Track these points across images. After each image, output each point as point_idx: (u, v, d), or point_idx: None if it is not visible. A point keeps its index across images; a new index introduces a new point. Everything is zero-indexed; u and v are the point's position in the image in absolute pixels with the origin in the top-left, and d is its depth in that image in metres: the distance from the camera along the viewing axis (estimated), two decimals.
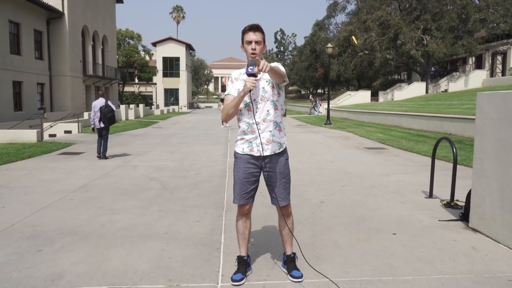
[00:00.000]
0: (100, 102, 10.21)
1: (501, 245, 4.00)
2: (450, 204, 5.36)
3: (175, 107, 51.90)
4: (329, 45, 24.34)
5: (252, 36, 3.04)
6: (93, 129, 10.49)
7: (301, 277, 3.22)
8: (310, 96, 47.18)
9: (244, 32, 3.09)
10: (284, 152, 3.26)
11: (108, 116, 10.09)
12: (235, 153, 3.25)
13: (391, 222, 4.77)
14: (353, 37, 36.10)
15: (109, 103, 10.32)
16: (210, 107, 70.68)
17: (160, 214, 5.09)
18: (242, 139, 3.19)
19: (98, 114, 10.17)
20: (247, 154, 3.17)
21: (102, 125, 10.20)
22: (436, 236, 4.27)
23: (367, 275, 3.32)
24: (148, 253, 3.79)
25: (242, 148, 3.19)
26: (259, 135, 3.11)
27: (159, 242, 4.07)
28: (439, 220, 4.81)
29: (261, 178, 3.29)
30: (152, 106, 55.00)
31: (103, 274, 3.33)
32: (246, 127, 3.14)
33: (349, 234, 4.35)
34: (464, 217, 4.75)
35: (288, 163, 3.31)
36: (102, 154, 10.24)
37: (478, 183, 4.41)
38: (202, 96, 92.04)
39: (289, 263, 3.35)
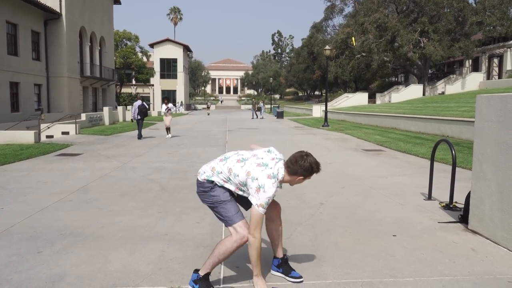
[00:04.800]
0: (138, 102, 15.69)
1: (501, 247, 4.02)
2: (449, 206, 5.39)
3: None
4: (327, 47, 24.40)
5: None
6: (132, 120, 15.97)
7: (301, 277, 3.24)
8: (253, 99, 45.91)
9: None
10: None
11: (143, 111, 15.55)
12: (214, 183, 3.08)
13: (390, 224, 4.78)
14: (353, 38, 36.16)
15: (144, 103, 15.69)
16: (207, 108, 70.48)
17: (160, 216, 5.09)
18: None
19: (137, 110, 15.43)
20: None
21: (138, 117, 15.46)
22: (436, 238, 4.29)
23: (368, 277, 3.33)
24: (149, 254, 3.79)
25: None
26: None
27: (159, 244, 4.07)
28: (439, 222, 4.83)
29: None
30: (177, 105, 55.02)
31: (105, 275, 3.33)
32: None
33: (349, 235, 4.37)
34: (463, 219, 4.77)
35: None
36: (138, 135, 15.44)
37: (477, 185, 4.43)
38: (200, 98, 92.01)
39: (285, 265, 3.35)
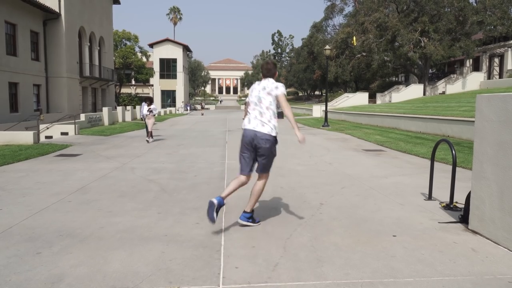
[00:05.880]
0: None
1: (501, 247, 4.00)
2: (449, 206, 5.37)
3: (172, 109, 51.83)
4: (327, 47, 24.38)
5: None
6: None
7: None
8: (246, 98, 45.61)
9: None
10: None
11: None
12: (276, 138, 4.44)
13: (391, 224, 4.77)
14: (354, 37, 36.16)
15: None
16: (207, 108, 70.48)
17: (159, 216, 5.08)
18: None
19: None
20: None
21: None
22: (436, 238, 4.28)
23: (368, 277, 3.32)
24: (148, 255, 3.77)
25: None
26: None
27: (159, 244, 4.05)
28: (439, 222, 4.82)
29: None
30: (180, 106, 54.91)
31: (104, 276, 3.31)
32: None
33: (349, 236, 4.35)
34: (464, 219, 4.76)
35: None
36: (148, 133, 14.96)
37: (477, 185, 4.42)
38: (199, 98, 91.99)
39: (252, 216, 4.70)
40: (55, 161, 9.83)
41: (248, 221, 4.55)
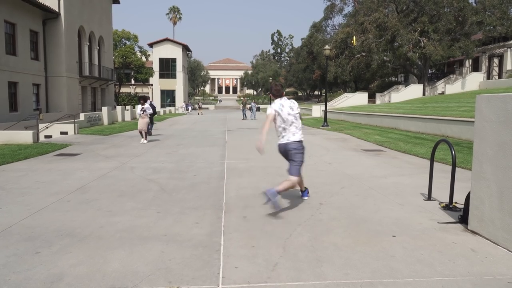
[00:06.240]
0: (148, 101, 15.35)
1: (500, 248, 4.01)
2: (449, 206, 5.37)
3: (172, 108, 51.77)
4: (327, 46, 24.36)
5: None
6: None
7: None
8: (243, 98, 44.84)
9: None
10: None
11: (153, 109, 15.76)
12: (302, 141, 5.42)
13: (390, 224, 4.77)
14: (353, 37, 36.14)
15: (152, 102, 15.94)
16: (206, 108, 70.37)
17: (159, 216, 5.07)
18: None
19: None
20: None
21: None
22: (436, 239, 4.28)
23: (368, 277, 3.32)
24: (148, 255, 3.77)
25: None
26: None
27: (158, 244, 4.05)
28: (438, 223, 4.82)
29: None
30: (181, 106, 54.73)
31: (103, 276, 3.31)
32: None
33: (348, 236, 4.35)
34: (463, 219, 4.76)
35: None
36: (148, 131, 14.82)
37: (477, 185, 4.42)
38: (199, 98, 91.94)
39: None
40: (55, 161, 9.82)
41: (274, 197, 4.92)
